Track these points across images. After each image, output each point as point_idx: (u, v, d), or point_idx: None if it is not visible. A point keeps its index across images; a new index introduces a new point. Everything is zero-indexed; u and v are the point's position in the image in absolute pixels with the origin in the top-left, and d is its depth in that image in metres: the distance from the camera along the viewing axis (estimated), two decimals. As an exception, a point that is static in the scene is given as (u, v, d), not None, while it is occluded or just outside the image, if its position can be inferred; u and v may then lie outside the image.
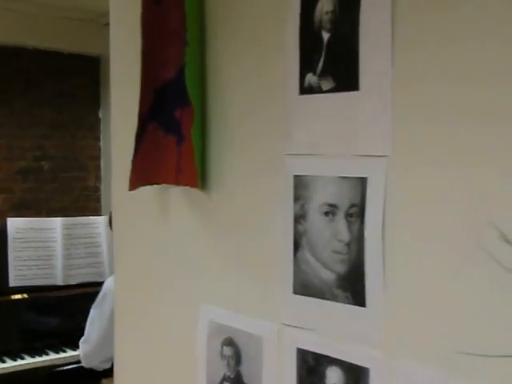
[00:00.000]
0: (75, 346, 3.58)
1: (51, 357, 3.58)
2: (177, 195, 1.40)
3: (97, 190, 5.83)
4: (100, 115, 5.74)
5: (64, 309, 3.74)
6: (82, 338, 3.34)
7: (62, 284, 3.76)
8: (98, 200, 5.84)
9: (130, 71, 1.46)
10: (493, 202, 0.90)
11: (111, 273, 3.56)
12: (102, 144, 5.78)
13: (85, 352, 3.29)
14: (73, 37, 5.24)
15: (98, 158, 5.81)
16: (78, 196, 5.73)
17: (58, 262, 3.74)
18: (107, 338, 2.86)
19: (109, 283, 3.14)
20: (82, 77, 5.56)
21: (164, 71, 1.33)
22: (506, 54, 0.88)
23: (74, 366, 3.55)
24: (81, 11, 4.92)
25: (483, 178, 0.91)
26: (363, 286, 1.05)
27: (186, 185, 1.33)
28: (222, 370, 1.30)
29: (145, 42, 1.37)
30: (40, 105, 5.48)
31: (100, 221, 3.91)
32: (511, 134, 0.88)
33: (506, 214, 0.88)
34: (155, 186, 1.42)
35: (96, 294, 3.41)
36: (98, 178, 5.82)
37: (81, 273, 3.80)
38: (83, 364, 3.36)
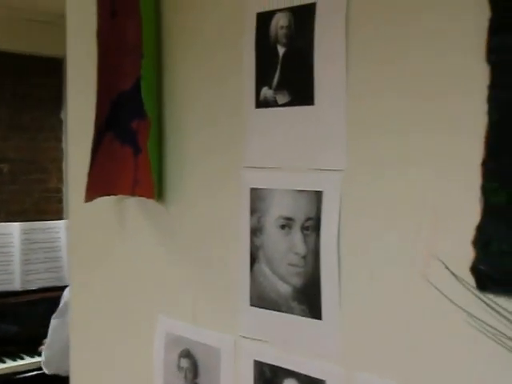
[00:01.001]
0: (34, 353, 3.53)
1: (8, 365, 3.52)
2: (133, 206, 1.39)
3: (59, 191, 5.76)
4: (62, 117, 5.68)
5: (22, 315, 3.68)
6: (44, 345, 3.29)
7: (20, 289, 3.70)
8: (60, 202, 5.77)
9: (88, 77, 1.44)
10: (444, 219, 0.91)
11: (71, 278, 3.51)
12: (64, 146, 5.71)
13: (48, 359, 3.24)
14: (35, 38, 5.16)
15: (59, 159, 5.74)
16: (39, 198, 5.64)
17: (16, 268, 3.68)
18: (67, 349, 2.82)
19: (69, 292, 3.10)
20: (44, 78, 5.48)
21: (120, 83, 1.32)
22: (451, 68, 0.90)
23: (34, 373, 3.50)
24: (43, 13, 4.86)
25: (439, 192, 0.92)
26: (319, 298, 1.06)
27: (142, 196, 1.32)
28: (180, 382, 1.29)
29: (101, 53, 1.36)
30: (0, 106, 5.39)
31: (60, 225, 3.86)
32: (460, 146, 0.89)
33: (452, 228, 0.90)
34: (112, 196, 1.40)
35: (56, 298, 3.36)
36: (60, 180, 5.75)
37: (40, 278, 3.74)
38: (46, 371, 3.31)
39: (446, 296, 0.90)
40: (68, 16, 1.57)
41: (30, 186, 5.58)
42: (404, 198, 0.96)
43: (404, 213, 0.96)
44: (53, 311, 3.28)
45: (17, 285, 3.69)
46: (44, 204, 5.65)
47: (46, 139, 5.66)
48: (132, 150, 1.33)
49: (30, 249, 3.74)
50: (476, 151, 0.87)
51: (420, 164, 0.94)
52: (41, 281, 3.74)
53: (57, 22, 4.90)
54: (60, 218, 4.53)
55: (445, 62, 0.91)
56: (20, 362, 3.55)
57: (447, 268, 0.89)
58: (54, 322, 3.20)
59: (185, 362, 1.29)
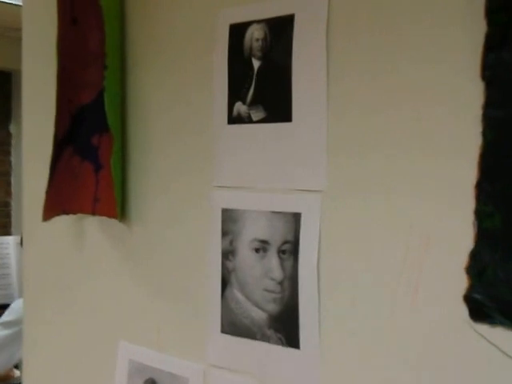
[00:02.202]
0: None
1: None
2: (94, 226, 1.32)
3: (7, 205, 5.62)
4: (11, 130, 5.55)
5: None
6: None
7: (-35, 309, 3.55)
8: (8, 216, 5.62)
9: (44, 90, 1.37)
10: (433, 239, 0.87)
11: (21, 295, 3.38)
12: (13, 159, 5.58)
13: None
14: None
15: (8, 173, 5.61)
16: (-14, 212, 5.48)
17: (-37, 284, 3.53)
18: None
19: (17, 304, 2.98)
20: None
21: (81, 95, 1.25)
22: (441, 84, 0.86)
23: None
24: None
25: (427, 214, 0.88)
26: (297, 326, 1.01)
27: (104, 215, 1.25)
28: (144, 414, 1.22)
29: (60, 62, 1.27)
30: None
31: (9, 241, 3.71)
32: (451, 167, 0.86)
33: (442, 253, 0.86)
34: (71, 215, 1.32)
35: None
36: (9, 194, 5.61)
37: (-12, 295, 3.60)
38: None
39: (435, 326, 0.86)
40: (24, 27, 1.49)
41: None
42: (389, 221, 0.91)
43: (389, 236, 0.91)
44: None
45: (-37, 302, 3.54)
46: (-9, 218, 5.49)
47: (-7, 152, 5.51)
48: (93, 166, 1.26)
49: (-25, 266, 3.59)
50: (469, 172, 0.83)
51: (407, 185, 0.90)
52: (-11, 298, 3.59)
53: (5, 35, 4.81)
54: (8, 233, 4.39)
55: (435, 78, 0.87)
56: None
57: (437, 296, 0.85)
58: None
59: (150, 392, 1.22)
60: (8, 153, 5.60)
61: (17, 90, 5.20)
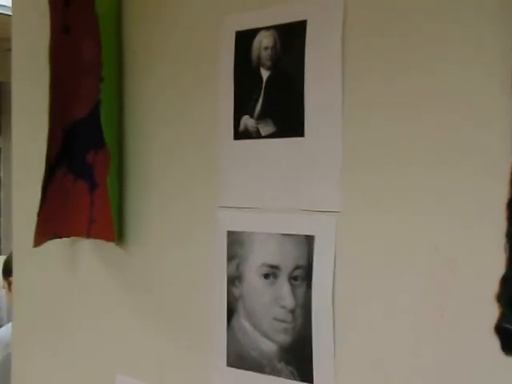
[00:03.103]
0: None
1: None
2: (89, 249, 1.25)
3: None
4: (0, 144, 5.49)
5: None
6: None
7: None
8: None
9: (35, 104, 1.31)
10: (460, 259, 0.81)
11: (10, 320, 3.29)
12: (1, 174, 5.52)
13: None
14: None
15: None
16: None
17: None
18: None
19: (4, 331, 2.88)
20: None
21: (75, 109, 1.18)
22: (466, 96, 0.81)
23: None
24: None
25: (452, 236, 0.82)
26: (310, 359, 0.95)
27: (100, 238, 1.18)
28: None
29: (53, 74, 1.20)
30: None
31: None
32: (479, 185, 0.80)
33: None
34: (64, 238, 1.25)
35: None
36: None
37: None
38: None
39: (463, 358, 0.80)
40: (14, 37, 1.43)
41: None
42: (411, 243, 0.85)
43: (411, 260, 0.85)
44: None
45: None
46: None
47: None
48: (87, 185, 1.19)
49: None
50: (500, 190, 0.77)
51: (429, 205, 0.84)
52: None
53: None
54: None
55: (461, 87, 0.81)
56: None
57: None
58: None
59: (148, 428, 1.14)
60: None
61: (5, 103, 5.14)
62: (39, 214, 1.23)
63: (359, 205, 0.90)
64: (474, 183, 0.80)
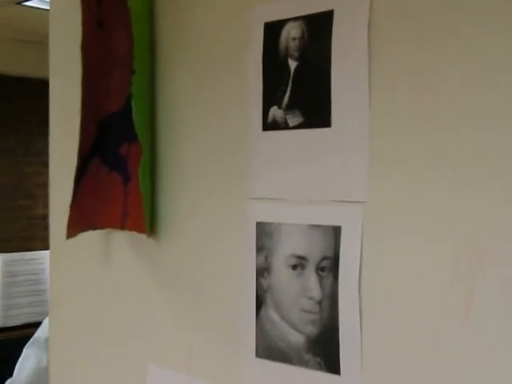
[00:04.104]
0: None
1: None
2: (122, 241, 1.26)
3: (45, 218, 5.65)
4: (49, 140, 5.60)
5: (3, 353, 3.50)
6: (10, 379, 3.13)
7: (0, 326, 3.53)
8: (47, 228, 5.64)
9: (72, 98, 1.32)
10: (485, 256, 0.80)
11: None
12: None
13: None
14: (18, 59, 5.10)
15: (45, 185, 5.64)
16: (25, 225, 5.54)
17: (-4, 303, 3.52)
18: (39, 379, 2.69)
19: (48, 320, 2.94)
20: (31, 101, 5.41)
21: (108, 102, 1.19)
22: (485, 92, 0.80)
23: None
24: (26, 32, 4.80)
25: (479, 224, 0.80)
26: (337, 350, 0.94)
27: (133, 230, 1.19)
28: None
29: (86, 69, 1.22)
30: (-18, 130, 5.32)
31: (45, 255, 3.70)
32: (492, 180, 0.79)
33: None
34: (98, 230, 1.26)
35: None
36: (47, 207, 5.64)
37: (22, 313, 3.58)
38: None
39: (492, 352, 0.78)
40: (51, 34, 1.45)
41: (15, 212, 5.47)
42: (438, 234, 0.84)
43: (438, 250, 0.84)
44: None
45: (-3, 320, 3.53)
46: (30, 231, 5.54)
47: (32, 164, 5.57)
48: (121, 177, 1.20)
49: (11, 282, 3.57)
50: None
51: (456, 195, 0.82)
52: (23, 316, 3.57)
53: (43, 43, 4.86)
54: (47, 247, 4.39)
55: (490, 68, 0.79)
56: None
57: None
58: (25, 350, 3.04)
59: (179, 418, 1.14)
60: (46, 164, 5.64)
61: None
62: (72, 206, 1.24)
63: (386, 195, 0.88)
64: (500, 174, 0.78)
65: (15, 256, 3.64)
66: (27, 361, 3.02)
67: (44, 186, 5.67)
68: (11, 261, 3.60)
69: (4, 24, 4.74)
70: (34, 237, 5.59)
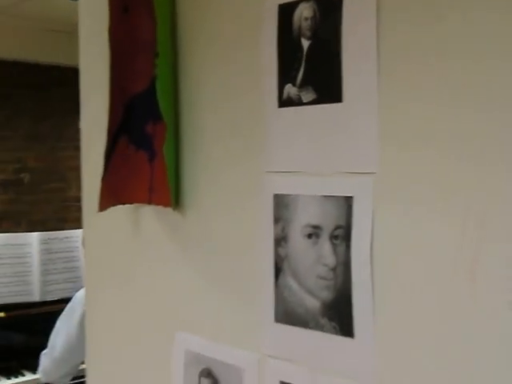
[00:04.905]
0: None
1: (28, 378, 3.46)
2: (149, 215, 1.32)
3: (78, 200, 5.77)
4: (80, 125, 5.71)
5: (41, 326, 3.62)
6: (45, 350, 3.23)
7: (39, 300, 3.65)
8: (79, 210, 5.77)
9: (101, 83, 1.38)
10: (489, 222, 0.83)
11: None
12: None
13: (45, 366, 3.17)
14: (51, 48, 5.19)
15: (78, 168, 5.76)
16: (59, 207, 5.67)
17: (35, 278, 3.63)
18: (71, 351, 2.78)
19: (79, 294, 3.03)
20: (62, 87, 5.52)
21: (134, 84, 1.25)
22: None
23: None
24: (59, 22, 4.88)
25: (484, 193, 0.84)
26: (351, 314, 0.98)
27: (159, 204, 1.25)
28: (200, 403, 1.21)
29: (113, 53, 1.28)
30: (20, 116, 5.43)
31: (78, 234, 3.80)
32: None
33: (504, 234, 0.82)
34: (127, 205, 1.33)
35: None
36: (80, 189, 5.77)
37: (58, 288, 3.69)
38: (42, 379, 3.24)
39: (496, 314, 0.82)
40: (80, 20, 1.51)
41: (49, 195, 5.60)
42: (444, 203, 0.87)
43: (444, 218, 0.87)
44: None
45: (36, 296, 3.63)
46: (64, 213, 5.67)
47: (65, 148, 5.68)
48: (147, 155, 1.26)
49: (48, 259, 3.68)
50: None
51: (462, 166, 0.86)
52: (59, 291, 3.68)
53: (74, 32, 4.95)
54: (80, 227, 4.50)
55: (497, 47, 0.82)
56: (38, 376, 3.49)
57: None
58: (58, 323, 3.13)
59: (206, 382, 1.21)
60: (78, 148, 5.76)
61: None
62: (103, 182, 1.30)
63: (394, 166, 0.92)
64: (504, 143, 0.81)
65: (51, 235, 3.75)
66: (59, 333, 3.12)
67: (76, 169, 5.79)
68: (48, 239, 3.71)
69: (36, 15, 4.84)
70: (67, 218, 5.72)
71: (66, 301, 3.63)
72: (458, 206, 0.86)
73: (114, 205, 1.32)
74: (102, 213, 1.34)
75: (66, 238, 3.77)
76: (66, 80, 5.50)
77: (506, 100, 0.81)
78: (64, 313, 3.13)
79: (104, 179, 1.30)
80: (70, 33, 4.91)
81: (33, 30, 5.08)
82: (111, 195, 1.31)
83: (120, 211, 1.35)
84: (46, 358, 3.17)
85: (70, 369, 2.87)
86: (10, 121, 5.37)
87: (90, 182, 1.47)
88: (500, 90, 0.82)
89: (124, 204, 1.32)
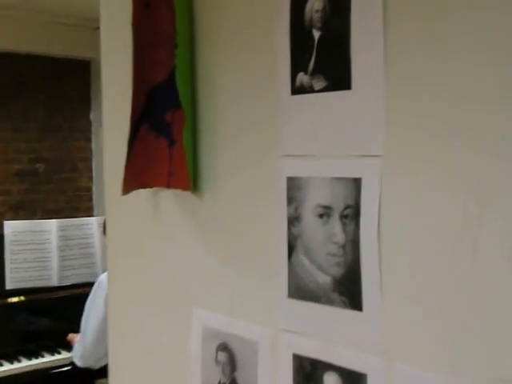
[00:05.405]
0: (69, 348, 3.58)
1: (47, 359, 3.56)
2: (169, 198, 1.38)
3: (89, 190, 5.88)
4: (91, 117, 5.78)
5: (59, 310, 3.73)
6: (78, 337, 3.32)
7: (57, 285, 3.75)
8: (90, 200, 5.89)
9: (121, 74, 1.44)
10: (491, 197, 0.88)
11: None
12: (93, 145, 5.83)
13: (81, 351, 3.27)
14: (64, 41, 5.28)
15: (89, 159, 5.87)
16: (71, 196, 5.76)
17: (54, 264, 3.73)
18: (101, 333, 2.85)
19: (103, 277, 3.11)
20: (74, 80, 5.61)
21: (154, 74, 1.31)
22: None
23: (69, 367, 3.55)
24: (70, 16, 4.97)
25: (484, 172, 0.89)
26: (359, 289, 1.03)
27: (178, 188, 1.31)
28: (217, 376, 1.27)
29: (136, 45, 1.34)
30: (34, 108, 5.51)
31: (93, 221, 3.90)
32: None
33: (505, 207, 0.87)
34: (147, 189, 1.39)
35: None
36: (90, 179, 5.87)
37: (75, 273, 3.78)
38: (78, 364, 3.33)
39: (497, 287, 0.87)
40: (102, 14, 1.57)
41: (63, 184, 5.70)
42: (447, 182, 0.93)
43: (447, 197, 0.93)
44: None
45: (54, 280, 3.73)
46: (76, 202, 5.78)
47: (77, 139, 5.78)
48: (167, 141, 1.32)
49: (66, 245, 3.78)
50: None
51: (464, 147, 0.91)
52: (76, 276, 3.78)
53: (84, 25, 5.03)
54: (91, 216, 4.59)
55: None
56: (57, 357, 3.59)
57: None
58: (86, 308, 3.22)
59: (222, 356, 1.27)
60: (89, 139, 5.86)
61: (95, 78, 5.42)
62: (126, 167, 1.37)
63: (400, 149, 0.97)
64: (505, 125, 0.86)
65: (68, 222, 3.84)
66: (89, 318, 3.21)
67: (87, 159, 5.89)
68: (65, 226, 3.80)
69: (47, 10, 4.91)
70: (79, 208, 5.82)
71: (82, 286, 3.74)
72: (460, 184, 0.91)
73: (136, 188, 1.39)
74: (123, 198, 1.40)
75: (82, 225, 3.86)
76: (76, 72, 5.59)
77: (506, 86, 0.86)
78: (90, 297, 3.22)
79: (127, 165, 1.37)
80: (81, 26, 4.99)
81: (46, 24, 5.16)
82: (133, 180, 1.37)
83: (140, 196, 1.41)
84: (79, 344, 3.27)
85: (103, 350, 2.97)
86: (26, 112, 5.46)
87: (111, 170, 1.54)
88: (501, 77, 0.87)
89: (145, 188, 1.38)
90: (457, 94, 0.91)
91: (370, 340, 1.02)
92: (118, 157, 1.42)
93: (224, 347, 1.27)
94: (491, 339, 0.88)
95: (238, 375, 1.23)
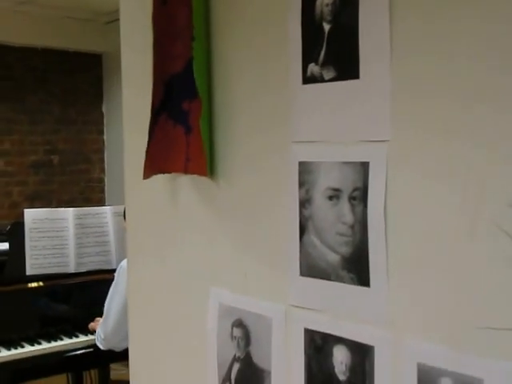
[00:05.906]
0: (86, 331, 3.69)
1: (65, 342, 3.66)
2: (186, 183, 1.44)
3: (101, 181, 5.96)
4: (103, 110, 5.84)
5: (76, 295, 3.83)
6: (101, 319, 3.41)
7: (74, 272, 3.84)
8: (102, 191, 5.97)
9: (140, 66, 1.51)
10: (488, 186, 0.93)
11: (118, 262, 3.63)
12: (105, 137, 5.90)
13: (104, 334, 3.35)
14: (77, 36, 5.34)
15: (101, 150, 5.94)
16: (84, 187, 5.85)
17: (71, 251, 3.81)
18: (124, 314, 2.93)
19: (124, 263, 3.19)
20: (87, 74, 5.67)
21: (173, 65, 1.38)
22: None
23: (85, 350, 3.65)
24: (83, 11, 5.03)
25: (483, 158, 0.94)
26: (367, 266, 1.08)
27: (195, 173, 1.37)
28: (232, 350, 1.34)
29: (155, 39, 1.41)
30: (49, 101, 5.58)
31: (107, 210, 3.97)
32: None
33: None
34: (165, 175, 1.46)
35: (105, 281, 3.50)
36: (102, 170, 5.95)
37: (91, 261, 3.86)
38: (102, 346, 3.42)
39: (496, 266, 0.92)
40: (121, 8, 1.63)
41: (76, 175, 5.78)
42: (448, 168, 0.98)
43: (448, 181, 0.98)
44: (104, 292, 3.41)
45: (71, 267, 3.82)
46: (88, 193, 5.87)
47: (90, 131, 5.86)
48: (184, 129, 1.38)
49: (82, 233, 3.85)
50: None
51: (466, 132, 0.96)
52: (92, 263, 3.86)
53: (97, 20, 5.09)
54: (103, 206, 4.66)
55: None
56: (74, 340, 3.69)
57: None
58: (110, 292, 3.30)
59: (237, 332, 1.33)
60: (101, 132, 5.93)
61: (107, 72, 5.47)
62: (147, 153, 1.44)
63: (406, 134, 1.02)
64: (505, 115, 0.90)
65: (84, 210, 3.92)
66: (112, 300, 3.28)
67: (99, 151, 5.97)
68: (81, 214, 3.88)
69: (61, 5, 4.97)
70: (91, 199, 5.90)
71: (97, 273, 3.83)
72: (460, 170, 0.96)
73: (155, 173, 1.46)
74: (141, 185, 1.47)
75: (97, 214, 3.93)
76: (88, 65, 5.65)
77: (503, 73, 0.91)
78: (113, 283, 3.30)
79: (148, 151, 1.44)
80: (93, 21, 5.06)
81: (60, 19, 5.22)
82: (153, 165, 1.44)
83: (158, 182, 1.48)
84: (102, 327, 3.35)
85: (125, 333, 3.06)
86: (42, 105, 5.53)
87: (131, 158, 1.60)
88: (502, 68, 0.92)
89: (164, 173, 1.45)
90: (457, 83, 0.96)
91: (377, 314, 1.07)
92: (137, 146, 1.49)
93: (239, 323, 1.33)
94: (491, 312, 0.93)
95: (253, 349, 1.30)
